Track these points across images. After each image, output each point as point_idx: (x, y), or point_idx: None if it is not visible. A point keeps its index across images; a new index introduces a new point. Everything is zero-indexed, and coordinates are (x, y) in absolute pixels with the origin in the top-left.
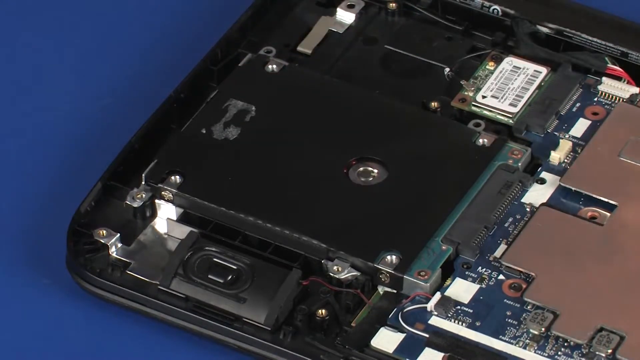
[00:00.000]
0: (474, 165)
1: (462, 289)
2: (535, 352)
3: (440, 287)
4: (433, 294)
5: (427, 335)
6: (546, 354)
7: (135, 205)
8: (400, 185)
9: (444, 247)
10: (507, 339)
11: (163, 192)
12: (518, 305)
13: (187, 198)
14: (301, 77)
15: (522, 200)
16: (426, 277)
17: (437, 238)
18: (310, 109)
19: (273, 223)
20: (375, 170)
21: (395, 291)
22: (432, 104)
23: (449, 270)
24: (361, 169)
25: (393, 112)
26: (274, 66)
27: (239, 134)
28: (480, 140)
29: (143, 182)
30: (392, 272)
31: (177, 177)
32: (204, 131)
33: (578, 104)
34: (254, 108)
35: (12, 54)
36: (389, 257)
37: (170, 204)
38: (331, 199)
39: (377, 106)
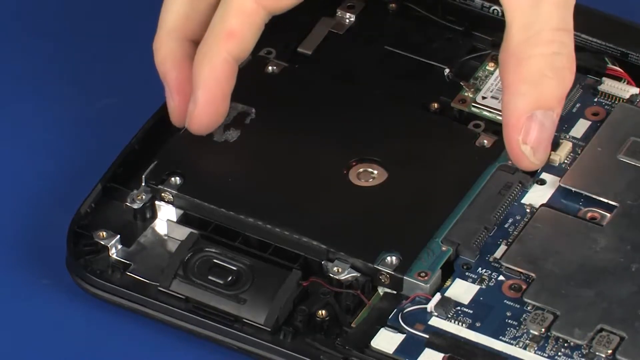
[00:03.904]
0: (473, 166)
1: (462, 290)
2: (535, 353)
3: (440, 288)
4: (433, 295)
5: (427, 336)
6: (546, 355)
7: (135, 206)
8: (400, 186)
9: (443, 248)
10: (507, 340)
11: (163, 194)
12: (518, 306)
13: (187, 199)
14: (301, 78)
15: (522, 201)
16: (426, 278)
17: (437, 239)
18: (311, 110)
19: (273, 224)
20: (375, 171)
21: (395, 292)
22: (432, 104)
23: (449, 271)
24: (361, 170)
25: (393, 113)
26: (274, 67)
27: (239, 136)
28: (480, 141)
29: (143, 184)
30: (392, 273)
31: (177, 178)
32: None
33: (578, 105)
34: (254, 110)
35: (12, 54)
36: (388, 258)
37: (170, 205)
38: (331, 200)
39: (377, 107)
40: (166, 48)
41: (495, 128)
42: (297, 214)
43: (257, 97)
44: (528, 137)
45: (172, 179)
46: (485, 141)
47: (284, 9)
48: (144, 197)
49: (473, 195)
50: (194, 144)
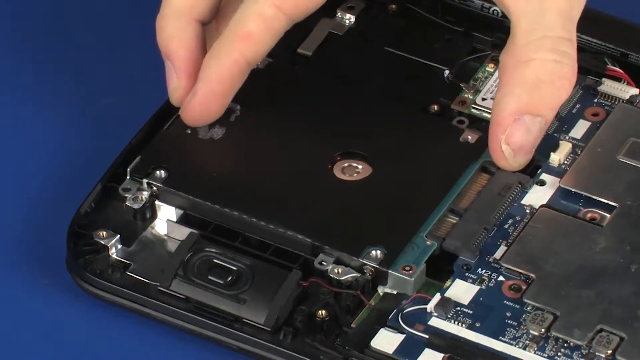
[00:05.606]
0: (458, 161)
1: (461, 290)
2: (535, 353)
3: (439, 288)
4: (417, 290)
5: (426, 336)
6: (546, 355)
7: (135, 206)
8: (385, 181)
9: (428, 242)
10: (507, 340)
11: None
12: (518, 307)
13: (173, 192)
14: (286, 73)
15: (522, 202)
16: (411, 272)
17: (421, 233)
18: (295, 105)
19: (258, 217)
20: (360, 166)
21: (395, 292)
22: (432, 106)
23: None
24: (346, 164)
25: (377, 108)
26: (259, 62)
27: (224, 133)
28: (465, 137)
29: (128, 177)
30: (377, 266)
31: (162, 172)
32: (189, 131)
33: (578, 105)
34: (238, 107)
35: (12, 54)
36: (373, 252)
37: (156, 198)
38: (316, 194)
39: (361, 102)
40: (173, 27)
41: (482, 125)
42: (282, 207)
43: (242, 92)
44: (511, 139)
45: (157, 172)
46: (469, 137)
47: (304, 15)
48: (144, 197)
49: (457, 191)
50: (179, 140)
